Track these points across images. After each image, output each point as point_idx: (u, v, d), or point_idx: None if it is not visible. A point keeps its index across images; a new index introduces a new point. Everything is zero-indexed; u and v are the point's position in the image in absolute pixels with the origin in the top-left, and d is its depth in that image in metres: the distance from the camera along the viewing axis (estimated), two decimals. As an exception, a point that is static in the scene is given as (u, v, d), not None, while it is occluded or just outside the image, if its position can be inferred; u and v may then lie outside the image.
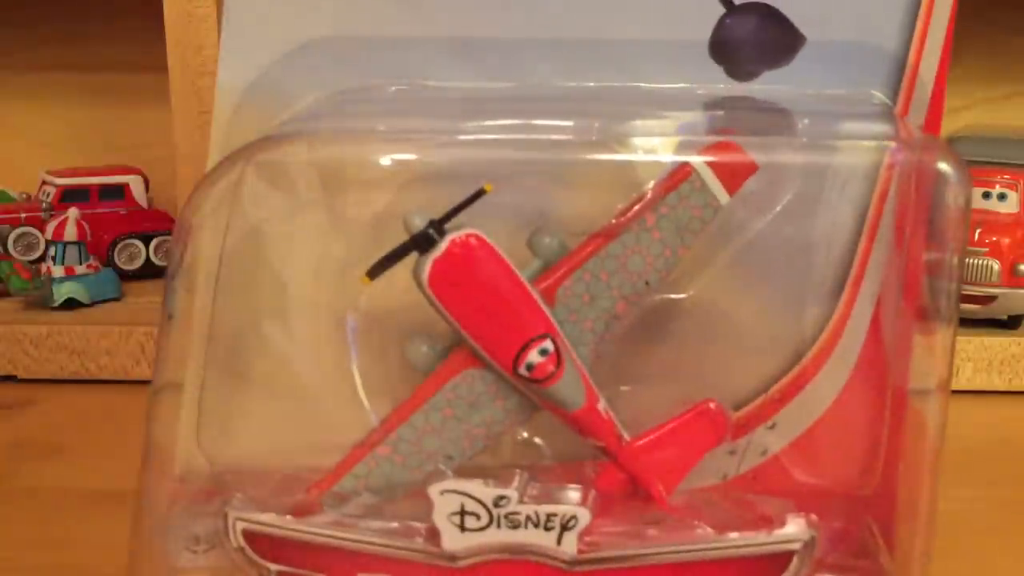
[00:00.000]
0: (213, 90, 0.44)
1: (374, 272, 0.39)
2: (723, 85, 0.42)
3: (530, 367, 0.39)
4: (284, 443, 0.43)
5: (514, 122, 0.40)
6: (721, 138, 0.40)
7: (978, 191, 0.77)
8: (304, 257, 0.43)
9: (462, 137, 0.41)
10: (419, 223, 0.38)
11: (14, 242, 0.86)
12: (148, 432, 0.40)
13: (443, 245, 0.38)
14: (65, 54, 0.97)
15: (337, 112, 0.43)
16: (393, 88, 0.43)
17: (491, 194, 0.38)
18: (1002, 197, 0.77)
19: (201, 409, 0.43)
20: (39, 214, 0.87)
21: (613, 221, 0.40)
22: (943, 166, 0.39)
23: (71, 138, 0.98)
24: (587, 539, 0.38)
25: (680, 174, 0.39)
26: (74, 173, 0.92)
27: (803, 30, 0.42)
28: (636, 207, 0.40)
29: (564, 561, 0.39)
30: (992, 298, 0.75)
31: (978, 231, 0.75)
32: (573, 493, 0.39)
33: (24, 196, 0.91)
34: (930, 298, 0.40)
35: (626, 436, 0.40)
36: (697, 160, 0.39)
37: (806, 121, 0.41)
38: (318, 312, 0.43)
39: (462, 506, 0.38)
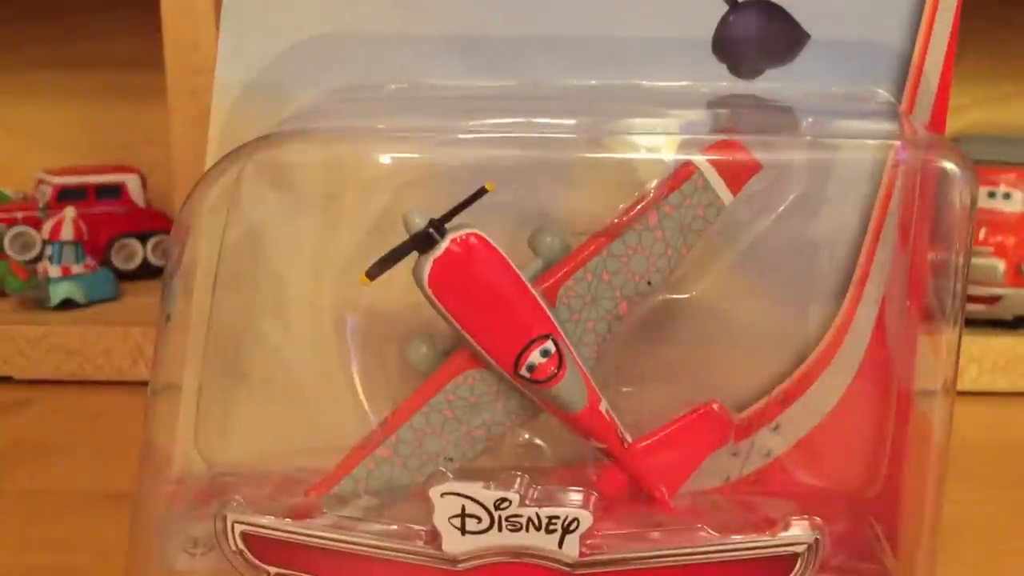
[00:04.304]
0: (211, 88, 0.43)
1: (374, 272, 0.38)
2: (726, 83, 0.42)
3: (531, 368, 0.39)
4: (283, 445, 0.43)
5: (516, 120, 0.40)
6: (724, 137, 0.40)
7: (983, 190, 0.76)
8: (304, 257, 0.43)
9: (463, 136, 0.40)
10: (419, 222, 0.38)
11: (10, 242, 0.85)
12: (146, 434, 0.40)
13: (444, 245, 0.38)
14: (61, 52, 0.97)
15: (336, 110, 0.42)
16: (393, 86, 0.43)
17: (492, 193, 0.38)
18: (1007, 196, 0.77)
19: (199, 410, 0.42)
20: (35, 213, 0.87)
21: (615, 220, 0.40)
22: (948, 165, 0.38)
23: (68, 137, 0.98)
24: (589, 542, 0.38)
25: (683, 173, 0.39)
26: (71, 172, 0.92)
27: (807, 27, 0.42)
28: (639, 206, 0.40)
29: (566, 564, 0.38)
30: (997, 298, 0.75)
31: (983, 231, 0.75)
32: (575, 495, 0.39)
33: (20, 195, 0.91)
34: (935, 298, 0.40)
35: (628, 438, 0.40)
36: (700, 159, 0.39)
37: (810, 119, 0.41)
38: (318, 312, 0.43)
39: (463, 508, 0.38)
